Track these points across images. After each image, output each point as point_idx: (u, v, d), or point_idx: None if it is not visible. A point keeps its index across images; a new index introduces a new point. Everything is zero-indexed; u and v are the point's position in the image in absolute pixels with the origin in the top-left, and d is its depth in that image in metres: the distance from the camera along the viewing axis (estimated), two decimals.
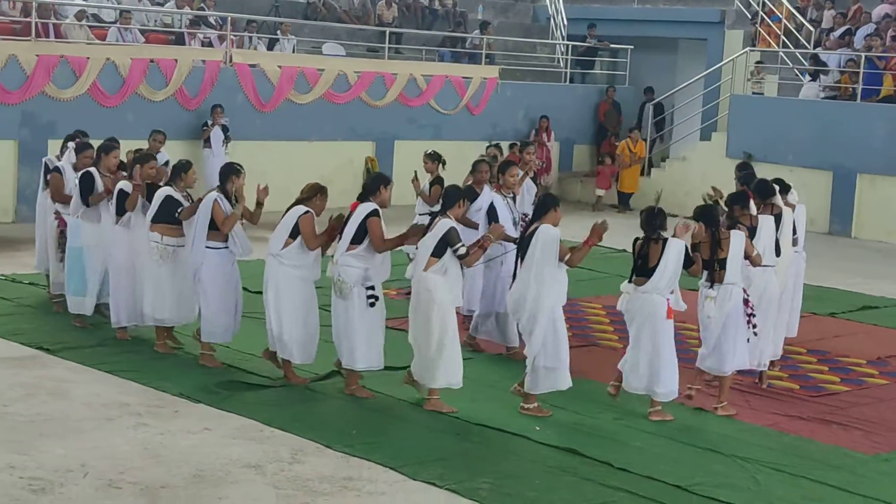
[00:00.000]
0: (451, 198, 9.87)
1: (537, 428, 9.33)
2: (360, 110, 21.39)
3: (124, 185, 11.27)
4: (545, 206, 9.74)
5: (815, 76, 22.39)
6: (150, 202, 10.99)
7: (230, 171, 10.59)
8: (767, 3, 24.47)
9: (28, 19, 17.92)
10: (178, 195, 10.85)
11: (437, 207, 13.36)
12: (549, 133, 23.83)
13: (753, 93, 23.11)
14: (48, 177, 12.34)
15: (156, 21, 21.00)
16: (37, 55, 17.53)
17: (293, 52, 21.86)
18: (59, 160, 12.50)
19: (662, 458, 8.87)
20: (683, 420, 9.86)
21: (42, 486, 7.63)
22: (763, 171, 20.44)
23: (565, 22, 27.03)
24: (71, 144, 12.40)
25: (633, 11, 27.73)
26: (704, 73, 25.00)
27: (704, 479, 8.42)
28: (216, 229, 10.45)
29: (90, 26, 19.47)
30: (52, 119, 17.72)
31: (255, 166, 19.57)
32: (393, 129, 21.73)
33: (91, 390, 9.76)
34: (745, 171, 12.21)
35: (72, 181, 11.85)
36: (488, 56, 24.41)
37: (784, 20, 23.64)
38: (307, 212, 9.94)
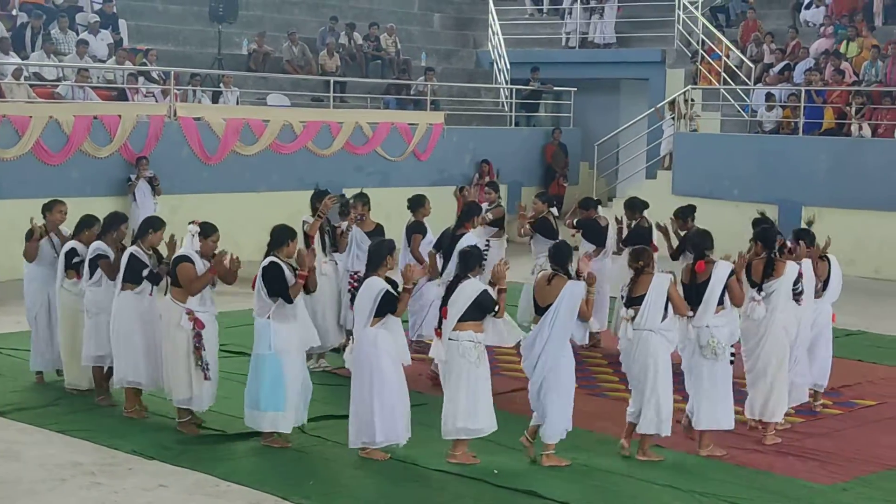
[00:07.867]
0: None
1: (495, 472, 9.28)
2: (307, 160, 21.38)
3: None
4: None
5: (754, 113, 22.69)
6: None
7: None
8: (707, 41, 24.79)
9: None
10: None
11: None
12: (492, 176, 23.87)
13: (692, 130, 23.35)
14: (124, 264, 10.44)
15: (98, 77, 20.93)
16: None
17: (237, 103, 21.87)
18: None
19: (620, 495, 8.87)
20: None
21: None
22: (709, 208, 20.96)
23: (508, 66, 27.26)
24: (193, 228, 10.37)
25: (575, 54, 28.01)
26: (647, 112, 25.23)
27: None
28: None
29: (31, 85, 19.37)
30: None
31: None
32: (340, 177, 21.63)
33: (43, 451, 9.63)
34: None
35: (201, 268, 10.11)
36: (433, 102, 24.51)
37: (724, 58, 23.96)
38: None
